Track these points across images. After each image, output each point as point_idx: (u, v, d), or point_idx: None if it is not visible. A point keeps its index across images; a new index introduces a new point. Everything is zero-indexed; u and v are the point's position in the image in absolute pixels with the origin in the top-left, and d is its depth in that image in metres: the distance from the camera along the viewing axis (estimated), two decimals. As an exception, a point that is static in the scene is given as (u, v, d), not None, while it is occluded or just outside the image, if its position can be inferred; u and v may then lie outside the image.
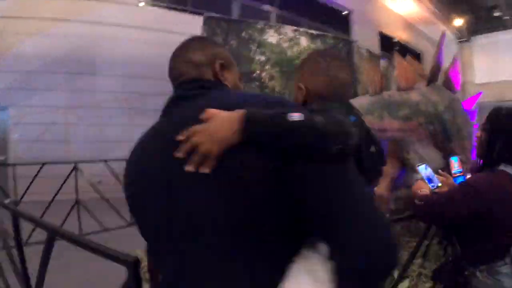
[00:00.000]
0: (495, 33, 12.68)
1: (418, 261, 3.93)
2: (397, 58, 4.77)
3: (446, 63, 5.56)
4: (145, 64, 7.47)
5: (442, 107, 4.85)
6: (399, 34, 13.01)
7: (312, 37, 6.02)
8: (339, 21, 10.61)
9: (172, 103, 0.88)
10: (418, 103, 4.68)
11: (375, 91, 4.53)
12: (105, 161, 4.23)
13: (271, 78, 5.53)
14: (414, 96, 4.72)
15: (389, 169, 5.55)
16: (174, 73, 0.94)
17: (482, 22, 13.10)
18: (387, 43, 12.63)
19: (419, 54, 13.38)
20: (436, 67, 5.39)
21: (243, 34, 5.24)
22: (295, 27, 5.83)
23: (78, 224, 3.98)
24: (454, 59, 5.62)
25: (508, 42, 10.95)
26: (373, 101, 4.42)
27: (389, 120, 4.43)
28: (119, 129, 7.29)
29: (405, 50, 13.16)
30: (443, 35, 5.33)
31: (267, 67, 5.49)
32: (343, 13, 10.47)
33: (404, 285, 3.25)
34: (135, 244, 4.02)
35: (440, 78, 5.28)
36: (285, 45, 5.68)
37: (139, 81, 7.43)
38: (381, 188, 5.48)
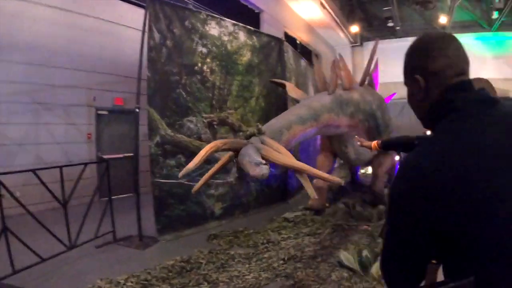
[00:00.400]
0: (386, 40, 14.85)
1: (379, 240, 4.29)
2: (341, 61, 5.08)
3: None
4: (54, 50, 6.26)
5: (375, 106, 5.38)
6: (301, 36, 13.90)
7: (249, 33, 5.97)
8: (251, 19, 10.82)
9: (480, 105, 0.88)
10: (359, 102, 5.08)
11: (332, 90, 4.75)
12: (33, 171, 3.33)
13: (212, 72, 5.29)
14: (355, 95, 5.11)
15: (326, 163, 5.93)
16: (457, 68, 0.92)
17: (376, 30, 15.22)
18: (291, 44, 13.42)
19: (317, 55, 14.59)
20: (368, 71, 5.96)
21: (187, 23, 4.85)
22: (233, 21, 5.66)
23: (9, 259, 3.01)
24: (376, 63, 6.30)
25: (396, 49, 12.79)
26: (332, 99, 4.64)
27: (342, 117, 4.70)
28: (22, 128, 5.93)
29: (306, 51, 14.24)
30: (375, 45, 5.93)
31: (208, 60, 5.22)
32: (255, 12, 10.68)
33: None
34: (81, 272, 3.37)
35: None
36: (226, 38, 5.50)
37: (46, 70, 6.16)
38: (319, 181, 5.81)
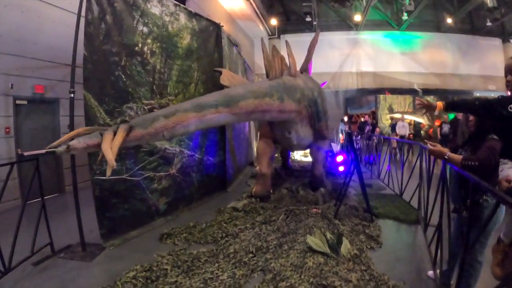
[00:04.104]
0: (302, 34, 15.69)
1: (336, 222, 4.45)
2: (288, 50, 5.08)
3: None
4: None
5: (316, 93, 5.57)
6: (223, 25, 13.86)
7: (190, 15, 5.54)
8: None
9: None
10: (304, 89, 5.17)
11: (275, 76, 4.68)
12: None
13: (153, 54, 4.75)
14: (300, 82, 5.18)
15: (267, 149, 5.94)
16: None
17: (293, 24, 15.90)
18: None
19: (236, 45, 14.68)
20: (308, 60, 6.10)
21: (129, -3, 4.21)
22: (175, 1, 5.15)
23: None
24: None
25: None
26: (273, 84, 4.56)
27: (289, 102, 4.68)
28: None
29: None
30: (316, 35, 6.07)
31: (148, 40, 4.66)
32: (182, -1, 10.16)
33: (347, 245, 3.59)
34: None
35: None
36: (167, 19, 4.98)
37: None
38: (264, 167, 5.80)
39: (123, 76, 4.26)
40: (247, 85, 4.74)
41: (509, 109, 2.11)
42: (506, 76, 2.26)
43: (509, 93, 2.30)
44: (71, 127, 3.65)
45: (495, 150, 2.27)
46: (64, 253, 3.62)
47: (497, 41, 18.34)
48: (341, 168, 6.29)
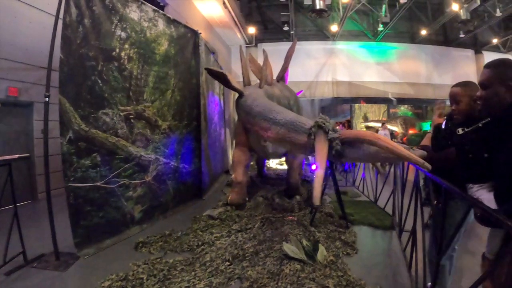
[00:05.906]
0: (279, 43, 15.95)
1: (312, 229, 4.51)
2: (265, 59, 5.16)
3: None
4: None
5: (292, 101, 5.67)
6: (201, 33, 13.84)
7: (168, 22, 5.53)
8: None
9: None
10: (280, 97, 5.26)
11: (263, 84, 4.74)
12: None
13: (130, 59, 4.70)
14: (276, 91, 5.27)
15: (243, 157, 5.96)
16: None
17: (271, 33, 16.15)
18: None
19: (213, 52, 14.70)
20: (285, 68, 6.21)
21: (107, 1, 4.16)
22: (154, 7, 5.14)
23: None
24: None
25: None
26: (264, 93, 4.62)
27: None
28: None
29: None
30: (294, 44, 6.18)
31: (126, 46, 4.62)
32: (161, 4, 10.07)
33: (323, 252, 3.65)
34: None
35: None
36: (145, 24, 4.96)
37: None
38: (239, 175, 5.82)
39: (100, 81, 4.19)
40: (260, 93, 4.70)
41: (457, 133, 2.16)
42: (451, 105, 2.29)
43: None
44: (45, 131, 3.55)
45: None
46: (37, 262, 3.49)
47: (470, 52, 19.38)
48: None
